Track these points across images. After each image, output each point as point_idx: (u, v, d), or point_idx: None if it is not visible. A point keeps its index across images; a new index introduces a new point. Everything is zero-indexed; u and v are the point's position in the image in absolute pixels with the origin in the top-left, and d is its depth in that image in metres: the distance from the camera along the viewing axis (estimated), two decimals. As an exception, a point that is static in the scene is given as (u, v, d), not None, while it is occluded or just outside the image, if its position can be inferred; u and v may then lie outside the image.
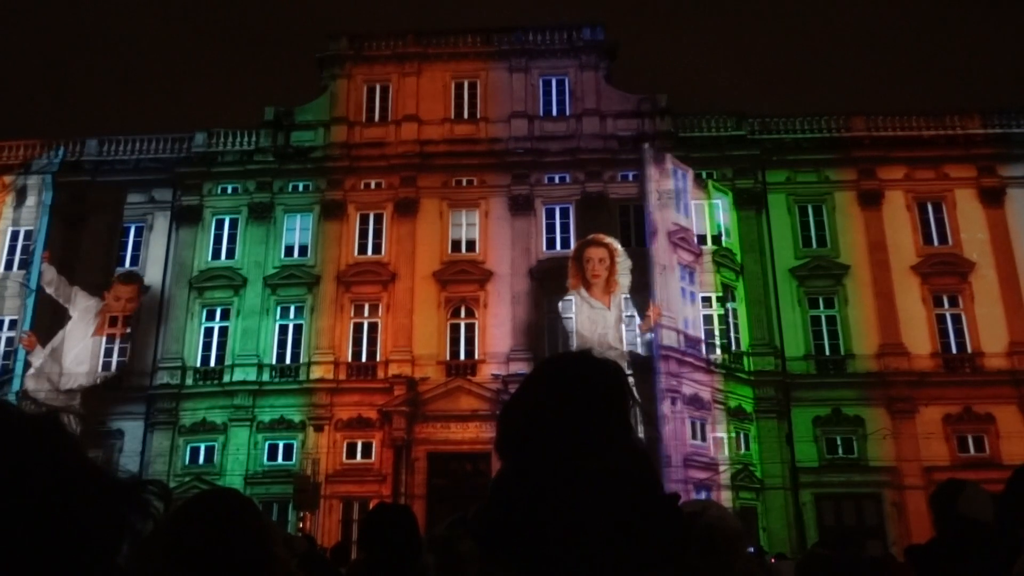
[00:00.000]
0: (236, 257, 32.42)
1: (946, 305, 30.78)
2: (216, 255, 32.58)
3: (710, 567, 2.52)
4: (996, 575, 2.94)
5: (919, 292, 30.78)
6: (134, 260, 32.55)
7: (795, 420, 29.50)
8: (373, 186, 33.22)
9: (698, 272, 30.48)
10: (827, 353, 30.69)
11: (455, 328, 31.17)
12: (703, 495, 26.53)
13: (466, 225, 32.33)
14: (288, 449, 29.93)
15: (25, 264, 32.69)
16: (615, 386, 1.62)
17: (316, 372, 30.56)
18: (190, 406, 30.45)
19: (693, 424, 28.80)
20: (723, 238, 31.43)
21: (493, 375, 29.37)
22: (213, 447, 30.00)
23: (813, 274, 31.28)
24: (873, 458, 28.87)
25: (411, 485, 28.61)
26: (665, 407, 27.89)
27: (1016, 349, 29.69)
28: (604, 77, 34.14)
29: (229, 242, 32.74)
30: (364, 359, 30.99)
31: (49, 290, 31.25)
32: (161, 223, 33.03)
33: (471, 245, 32.04)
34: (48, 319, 31.34)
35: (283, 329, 31.62)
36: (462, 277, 31.45)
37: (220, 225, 33.00)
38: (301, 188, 33.37)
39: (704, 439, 28.92)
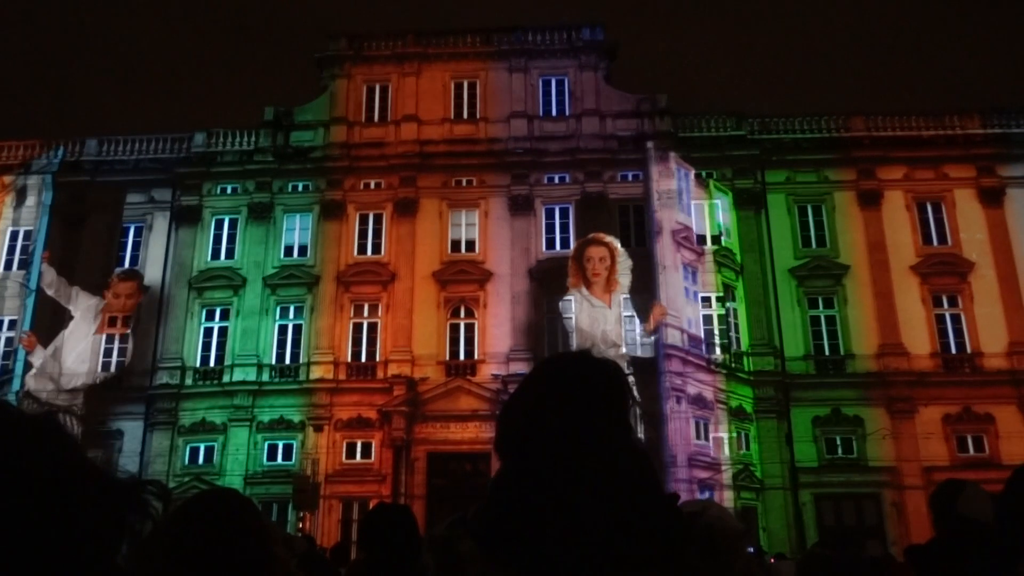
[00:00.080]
0: (236, 257, 32.43)
1: (945, 305, 30.80)
2: (216, 255, 32.59)
3: (710, 567, 2.52)
4: (996, 575, 2.94)
5: (919, 292, 30.79)
6: (133, 260, 32.56)
7: (795, 420, 29.51)
8: (373, 186, 33.22)
9: (700, 272, 30.52)
10: (827, 353, 30.70)
11: (455, 328, 31.18)
12: (707, 495, 26.59)
13: (466, 225, 32.34)
14: (288, 449, 29.94)
15: (25, 264, 32.70)
16: (615, 386, 1.62)
17: (316, 372, 30.56)
18: (190, 406, 30.46)
19: (696, 424, 28.85)
20: (723, 238, 31.45)
21: (493, 375, 29.38)
22: (213, 447, 30.01)
23: (813, 274, 31.29)
24: (873, 458, 28.88)
25: (411, 485, 28.62)
26: (670, 406, 27.92)
27: (1015, 349, 29.70)
28: (604, 77, 34.15)
29: (229, 242, 32.74)
30: (364, 359, 30.99)
31: (49, 292, 31.28)
32: (161, 223, 33.04)
33: (471, 245, 32.05)
34: (48, 319, 31.35)
35: (283, 329, 31.63)
36: (462, 277, 31.46)
37: (220, 225, 33.00)
38: (301, 188, 33.37)
39: (707, 439, 28.95)
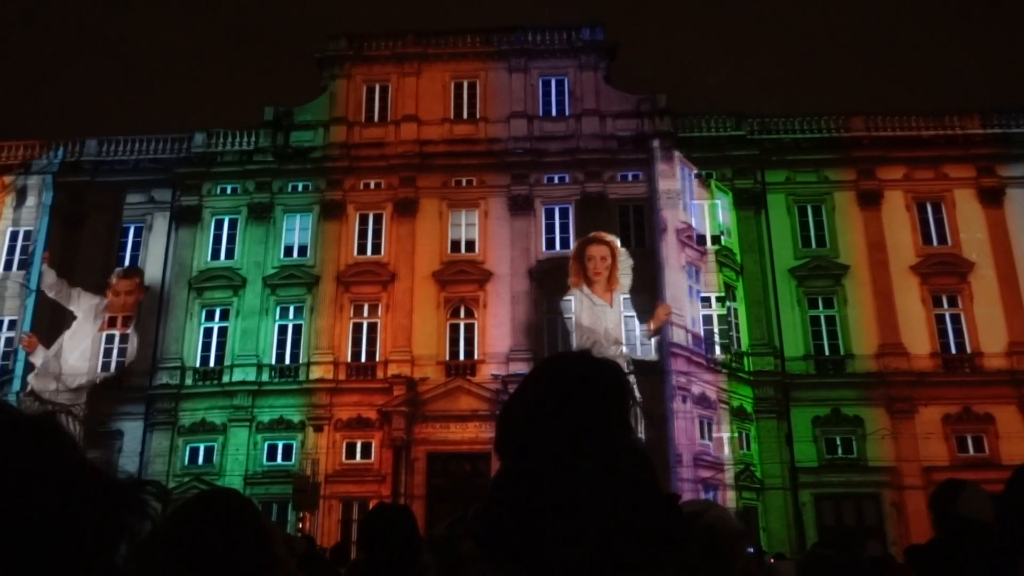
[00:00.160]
0: (235, 257, 32.43)
1: (945, 305, 30.80)
2: (215, 255, 32.59)
3: (710, 567, 2.52)
4: (996, 575, 2.94)
5: (918, 292, 30.79)
6: (133, 260, 32.56)
7: (795, 420, 29.51)
8: (372, 186, 33.22)
9: (703, 271, 30.55)
10: (826, 353, 30.70)
11: (455, 328, 31.17)
12: (711, 494, 26.64)
13: (465, 225, 32.34)
14: (287, 449, 29.93)
15: (25, 264, 32.70)
16: (615, 386, 1.62)
17: (315, 372, 30.56)
18: (189, 406, 30.46)
19: (700, 423, 28.88)
20: (723, 238, 31.47)
21: (492, 375, 29.38)
22: (212, 447, 30.00)
23: (812, 274, 31.29)
24: (872, 458, 28.88)
25: (410, 485, 28.61)
26: (676, 405, 27.95)
27: (1015, 349, 29.70)
28: (604, 77, 34.15)
29: (228, 242, 32.74)
30: (364, 359, 30.99)
31: (50, 294, 31.30)
32: (160, 223, 33.04)
33: (471, 245, 32.04)
34: (48, 319, 31.36)
35: (282, 329, 31.63)
36: (462, 277, 31.46)
37: (219, 225, 33.00)
38: (300, 188, 33.37)
39: (710, 438, 28.98)
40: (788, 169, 32.43)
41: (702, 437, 28.77)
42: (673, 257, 29.83)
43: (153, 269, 32.32)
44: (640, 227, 31.37)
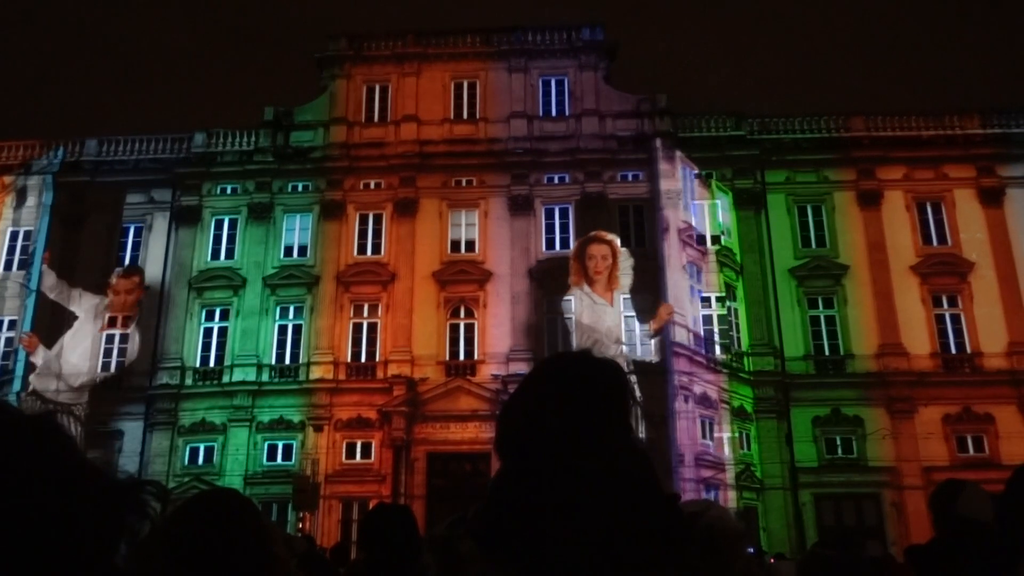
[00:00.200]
0: (235, 257, 32.42)
1: (945, 305, 30.79)
2: (215, 255, 32.59)
3: (710, 567, 2.52)
4: (996, 575, 2.94)
5: (918, 292, 30.79)
6: (133, 260, 32.57)
7: (794, 420, 29.50)
8: (372, 186, 33.22)
9: (704, 271, 30.56)
10: (826, 353, 30.70)
11: (455, 328, 31.17)
12: (712, 494, 26.65)
13: (465, 225, 32.33)
14: (287, 449, 29.93)
15: (25, 264, 32.70)
16: (616, 386, 1.62)
17: (315, 372, 30.56)
18: (189, 406, 30.45)
19: (702, 423, 28.89)
20: (723, 238, 31.47)
21: (492, 375, 29.37)
22: (212, 447, 30.00)
23: (812, 274, 31.28)
24: (872, 458, 28.88)
25: (410, 485, 28.61)
26: (678, 405, 27.96)
27: (1015, 349, 29.70)
28: (603, 77, 34.15)
29: (228, 242, 32.74)
30: (364, 359, 30.99)
31: (51, 295, 31.30)
32: (160, 223, 33.04)
33: (470, 245, 32.04)
34: (48, 319, 31.37)
35: (282, 329, 31.63)
36: (461, 277, 31.46)
37: (219, 225, 33.00)
38: (300, 188, 33.37)
39: (711, 438, 29.00)
40: (788, 169, 32.42)
41: (703, 437, 28.79)
42: (675, 257, 29.85)
43: (153, 269, 32.32)
44: (640, 227, 31.37)
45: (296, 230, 32.70)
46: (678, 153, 31.31)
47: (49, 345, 30.91)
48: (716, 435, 29.05)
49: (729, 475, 28.40)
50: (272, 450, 29.96)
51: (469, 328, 31.09)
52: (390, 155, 33.05)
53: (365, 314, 31.60)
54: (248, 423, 30.02)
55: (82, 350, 30.93)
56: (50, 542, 0.99)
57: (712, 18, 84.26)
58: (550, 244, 31.90)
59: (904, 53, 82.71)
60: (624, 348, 28.97)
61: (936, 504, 3.87)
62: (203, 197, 33.19)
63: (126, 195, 32.84)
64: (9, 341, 32.14)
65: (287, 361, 31.15)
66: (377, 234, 32.49)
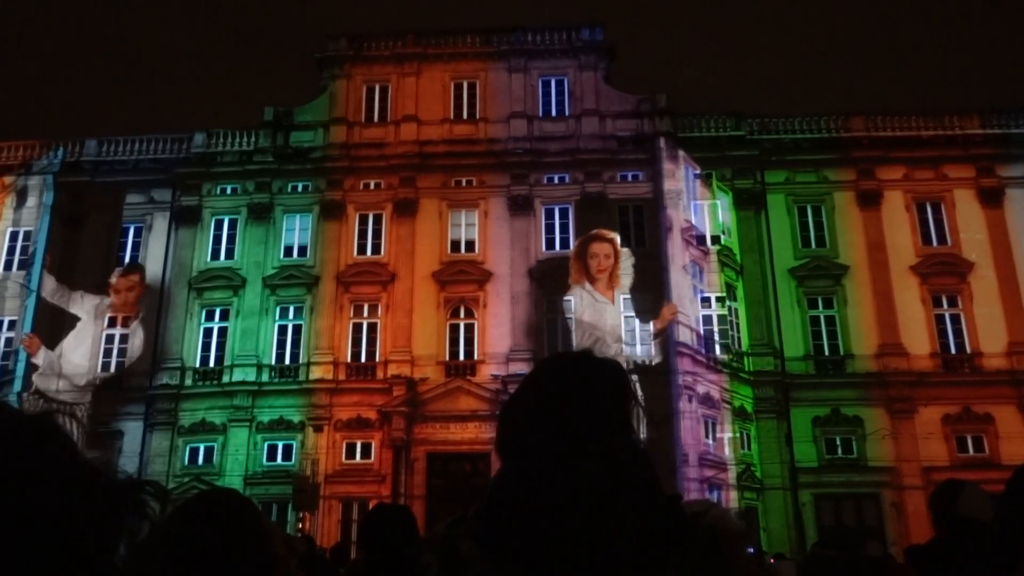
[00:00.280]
0: (235, 257, 32.42)
1: (945, 305, 30.80)
2: (215, 255, 32.58)
3: (711, 568, 2.52)
4: (996, 575, 2.94)
5: (918, 292, 30.79)
6: (133, 260, 32.57)
7: (794, 420, 29.50)
8: (372, 186, 33.21)
9: (706, 271, 30.57)
10: (826, 353, 30.69)
11: (454, 328, 31.17)
12: (715, 494, 26.67)
13: (465, 225, 32.33)
14: (287, 449, 29.93)
15: (25, 265, 32.69)
16: (617, 386, 1.61)
17: (315, 372, 30.55)
18: (189, 406, 30.45)
19: (705, 423, 28.90)
20: (723, 237, 31.47)
21: (492, 375, 29.37)
22: (212, 448, 29.99)
23: (812, 274, 31.28)
24: (872, 458, 28.88)
25: (410, 485, 28.61)
26: (682, 405, 27.95)
27: (1015, 349, 29.70)
28: (603, 77, 34.14)
29: (228, 242, 32.73)
30: (363, 359, 30.98)
31: (52, 300, 31.29)
32: (160, 223, 33.03)
33: (470, 245, 32.04)
34: (49, 319, 31.36)
35: (282, 329, 31.62)
36: (461, 277, 31.45)
37: (219, 225, 33.00)
38: (300, 188, 33.37)
39: (714, 438, 29.00)
40: (788, 169, 32.42)
41: (706, 437, 28.79)
42: (678, 256, 29.86)
43: (153, 269, 32.32)
44: (640, 227, 31.36)
45: (296, 230, 32.70)
46: (681, 153, 31.31)
47: (51, 346, 30.91)
48: (718, 435, 29.06)
49: (731, 475, 28.40)
50: (272, 450, 29.96)
51: (469, 328, 31.09)
52: (390, 155, 33.05)
53: (365, 314, 31.60)
54: (248, 423, 30.01)
55: (83, 350, 30.94)
56: (49, 543, 0.99)
57: (712, 18, 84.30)
58: (550, 244, 31.89)
59: (904, 53, 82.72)
60: (624, 347, 28.95)
61: (936, 504, 3.87)
62: (203, 197, 33.19)
63: (126, 195, 32.83)
64: (9, 341, 32.14)
65: (287, 361, 31.15)
66: (377, 234, 32.49)
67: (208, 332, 31.83)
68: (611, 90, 33.92)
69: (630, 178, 32.29)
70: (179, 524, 1.85)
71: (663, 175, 31.00)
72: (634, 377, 24.70)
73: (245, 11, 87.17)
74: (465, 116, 33.99)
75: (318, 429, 29.83)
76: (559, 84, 34.23)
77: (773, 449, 29.15)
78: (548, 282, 30.68)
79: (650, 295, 29.59)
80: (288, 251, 32.47)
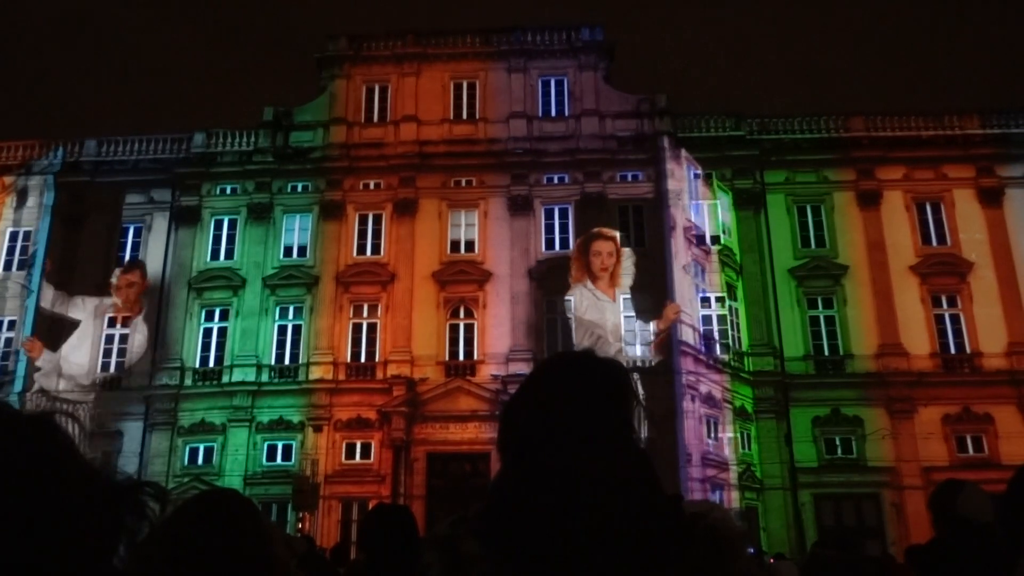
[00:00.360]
0: (235, 257, 32.42)
1: (945, 305, 30.79)
2: (215, 255, 32.58)
3: (712, 568, 2.52)
4: (996, 575, 2.94)
5: (918, 292, 30.79)
6: (133, 260, 32.55)
7: (794, 420, 29.50)
8: (372, 186, 33.21)
9: (708, 271, 30.58)
10: (826, 353, 30.69)
11: (454, 328, 31.16)
12: (717, 494, 26.68)
13: (465, 225, 32.32)
14: (287, 450, 29.92)
15: (25, 265, 32.68)
16: (618, 386, 1.61)
17: (315, 372, 30.55)
18: (189, 407, 30.44)
19: (707, 423, 28.90)
20: (723, 237, 31.48)
21: (492, 375, 29.36)
22: (212, 448, 29.98)
23: (812, 274, 31.28)
24: (872, 458, 28.87)
25: (410, 485, 28.61)
26: (685, 404, 27.95)
27: (1015, 349, 29.70)
28: (603, 77, 34.14)
29: (228, 243, 32.73)
30: (363, 359, 30.98)
31: (52, 309, 31.28)
32: (160, 223, 33.02)
33: (470, 245, 32.03)
34: (49, 320, 31.36)
35: (282, 329, 31.62)
36: (461, 277, 31.45)
37: (219, 225, 32.99)
38: (300, 188, 33.36)
39: (715, 438, 29.00)
40: (788, 169, 32.42)
41: (708, 436, 28.79)
42: (681, 256, 29.86)
43: (153, 269, 32.31)
44: (640, 227, 31.35)
45: (296, 230, 32.70)
46: (683, 152, 31.31)
47: (52, 347, 30.91)
48: (720, 435, 29.07)
49: (732, 475, 28.41)
50: (272, 450, 29.95)
51: (469, 328, 31.09)
52: (390, 155, 33.04)
53: (365, 314, 31.59)
54: (248, 423, 30.01)
55: (84, 350, 30.95)
56: (49, 543, 0.98)
57: (712, 18, 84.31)
58: (550, 244, 31.89)
59: (904, 53, 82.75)
60: (624, 347, 28.94)
61: (936, 504, 3.87)
62: (203, 197, 33.18)
63: (126, 195, 32.83)
64: (9, 342, 32.13)
65: (287, 361, 31.14)
66: (377, 234, 32.48)
67: (208, 332, 31.82)
68: (611, 90, 33.91)
69: (630, 178, 32.28)
70: (179, 524, 1.85)
71: (666, 175, 30.99)
72: (635, 376, 24.68)
73: (245, 11, 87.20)
74: (465, 116, 33.99)
75: (318, 429, 29.82)
76: (559, 84, 34.22)
77: (773, 449, 29.15)
78: (548, 282, 30.67)
79: (650, 295, 29.58)
80: (288, 251, 32.46)
